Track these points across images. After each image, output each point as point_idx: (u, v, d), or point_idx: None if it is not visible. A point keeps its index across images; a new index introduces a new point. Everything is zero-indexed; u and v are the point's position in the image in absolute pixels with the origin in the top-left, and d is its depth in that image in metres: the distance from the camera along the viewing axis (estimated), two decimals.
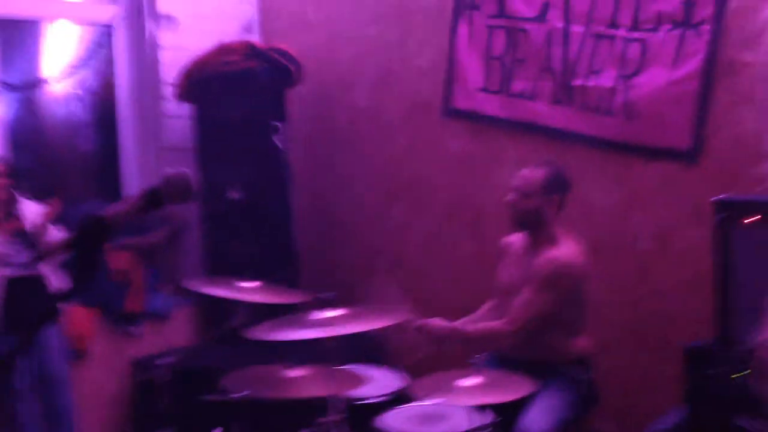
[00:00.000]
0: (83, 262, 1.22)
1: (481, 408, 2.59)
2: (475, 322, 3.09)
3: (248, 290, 2.88)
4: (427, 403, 2.72)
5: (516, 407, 2.70)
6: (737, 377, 2.47)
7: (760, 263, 2.45)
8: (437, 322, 2.90)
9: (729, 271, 2.55)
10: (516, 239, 3.12)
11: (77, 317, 4.12)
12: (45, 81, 4.55)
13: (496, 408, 2.59)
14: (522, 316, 2.87)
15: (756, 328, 2.29)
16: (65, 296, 1.32)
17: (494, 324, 2.95)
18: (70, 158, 4.90)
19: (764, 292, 2.39)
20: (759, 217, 2.47)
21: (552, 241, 2.93)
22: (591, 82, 3.43)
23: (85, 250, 1.21)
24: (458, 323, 3.00)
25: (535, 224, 2.96)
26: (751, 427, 2.39)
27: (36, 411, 3.72)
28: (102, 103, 4.87)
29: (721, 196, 2.61)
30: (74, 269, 1.26)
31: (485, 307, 3.23)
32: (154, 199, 1.35)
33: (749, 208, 2.52)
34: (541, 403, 2.78)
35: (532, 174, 2.96)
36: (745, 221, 2.50)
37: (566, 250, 2.91)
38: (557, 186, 2.96)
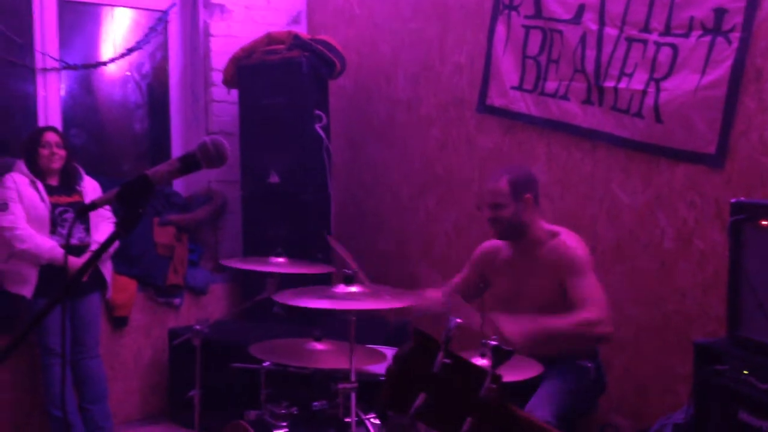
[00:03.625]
0: (126, 214, 1.41)
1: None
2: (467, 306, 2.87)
3: (278, 264, 3.05)
4: None
5: (522, 389, 2.77)
6: (744, 374, 2.52)
7: None
8: (515, 323, 2.63)
9: (742, 270, 2.60)
10: (499, 247, 3.08)
11: (121, 287, 4.35)
12: (102, 63, 4.77)
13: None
14: (600, 299, 2.76)
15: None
16: (106, 244, 1.48)
17: (583, 313, 2.73)
18: (123, 138, 5.13)
19: None
20: None
21: (548, 236, 2.94)
22: (622, 84, 3.49)
23: (128, 204, 1.41)
24: (528, 317, 2.73)
25: (521, 230, 2.94)
26: (755, 423, 2.44)
27: (68, 373, 3.90)
28: (155, 87, 5.09)
29: (738, 199, 2.67)
30: (118, 221, 1.45)
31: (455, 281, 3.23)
32: (191, 161, 1.54)
33: (765, 210, 2.57)
34: (544, 391, 2.79)
35: (496, 185, 2.92)
36: (762, 223, 2.55)
37: (566, 236, 2.93)
38: (524, 185, 2.93)
